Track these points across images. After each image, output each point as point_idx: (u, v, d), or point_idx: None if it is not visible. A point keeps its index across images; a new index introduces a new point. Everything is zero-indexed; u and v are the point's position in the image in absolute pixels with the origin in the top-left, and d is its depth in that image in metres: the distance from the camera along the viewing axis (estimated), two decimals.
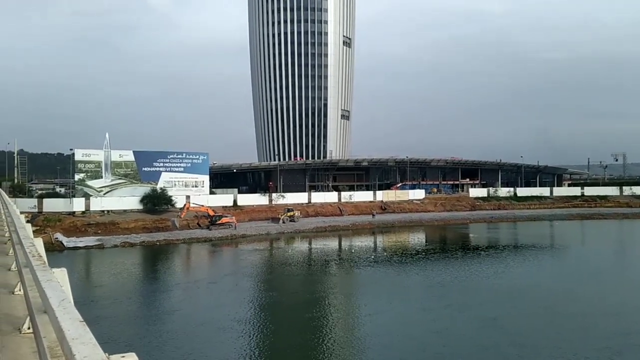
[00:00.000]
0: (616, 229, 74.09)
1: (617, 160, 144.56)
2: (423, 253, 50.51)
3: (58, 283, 3.97)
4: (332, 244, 58.70)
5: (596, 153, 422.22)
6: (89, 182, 69.11)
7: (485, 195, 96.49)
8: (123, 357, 2.39)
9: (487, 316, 26.59)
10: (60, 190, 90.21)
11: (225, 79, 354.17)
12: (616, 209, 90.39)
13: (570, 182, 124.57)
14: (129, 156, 72.39)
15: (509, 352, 21.25)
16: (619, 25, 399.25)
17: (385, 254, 51.40)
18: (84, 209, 64.19)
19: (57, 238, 53.46)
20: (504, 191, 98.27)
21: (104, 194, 69.10)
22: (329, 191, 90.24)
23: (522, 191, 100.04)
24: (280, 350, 22.79)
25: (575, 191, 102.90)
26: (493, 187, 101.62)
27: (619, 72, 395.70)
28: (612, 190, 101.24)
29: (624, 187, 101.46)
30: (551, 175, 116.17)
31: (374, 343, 22.75)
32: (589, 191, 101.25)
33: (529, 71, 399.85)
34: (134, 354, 2.42)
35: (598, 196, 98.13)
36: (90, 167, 69.60)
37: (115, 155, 71.11)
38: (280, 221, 68.64)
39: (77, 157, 69.48)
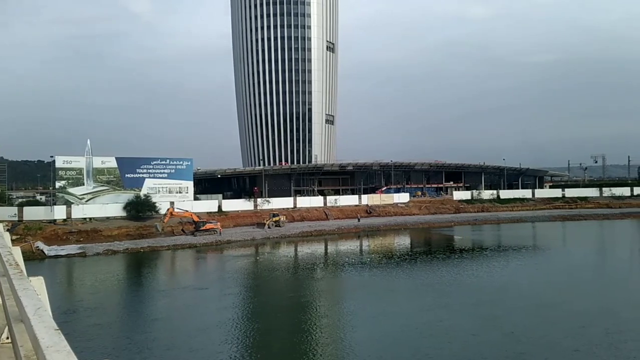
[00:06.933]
0: (597, 230, 75.29)
1: (596, 162, 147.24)
2: (409, 256, 50.76)
3: (34, 291, 3.93)
4: (319, 248, 58.63)
5: (576, 155, 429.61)
6: (71, 190, 68.05)
7: (469, 197, 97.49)
8: None
9: (484, 315, 26.90)
10: (40, 198, 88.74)
11: (209, 85, 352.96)
12: (596, 209, 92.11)
13: (551, 183, 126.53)
14: (111, 163, 71.50)
15: (512, 351, 21.47)
16: (603, 27, 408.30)
17: (371, 257, 51.50)
18: (65, 217, 63.23)
19: (38, 247, 52.55)
20: (487, 194, 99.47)
21: (86, 201, 68.08)
22: (314, 196, 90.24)
23: (505, 193, 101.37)
24: (274, 356, 22.61)
25: (557, 193, 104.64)
26: (477, 189, 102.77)
27: (603, 74, 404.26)
28: (592, 192, 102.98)
29: (603, 189, 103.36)
30: (533, 178, 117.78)
31: (368, 344, 22.66)
32: (570, 192, 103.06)
33: (514, 74, 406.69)
34: None
35: (579, 197, 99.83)
36: (72, 174, 68.52)
37: (98, 162, 70.16)
38: (266, 226, 68.40)
39: (58, 164, 68.33)
